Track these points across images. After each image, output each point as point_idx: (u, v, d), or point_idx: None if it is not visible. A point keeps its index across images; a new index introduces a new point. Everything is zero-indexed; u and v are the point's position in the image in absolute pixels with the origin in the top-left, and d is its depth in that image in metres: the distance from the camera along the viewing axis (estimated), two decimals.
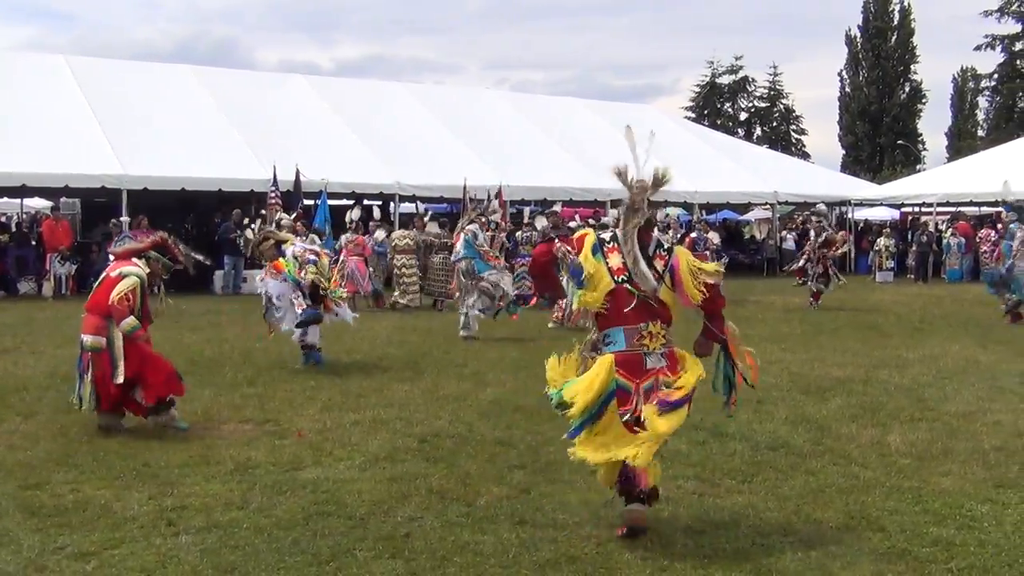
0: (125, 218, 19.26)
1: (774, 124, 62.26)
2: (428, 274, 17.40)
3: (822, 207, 20.58)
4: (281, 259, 10.06)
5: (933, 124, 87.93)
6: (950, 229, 26.11)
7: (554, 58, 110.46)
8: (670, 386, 4.78)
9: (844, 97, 60.18)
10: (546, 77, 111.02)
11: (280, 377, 9.58)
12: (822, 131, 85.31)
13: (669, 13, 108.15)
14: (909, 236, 28.01)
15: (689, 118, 52.19)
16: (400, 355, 11.19)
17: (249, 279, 19.62)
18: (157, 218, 20.28)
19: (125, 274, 7.12)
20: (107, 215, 20.62)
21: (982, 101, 60.88)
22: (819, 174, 34.48)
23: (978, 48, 51.47)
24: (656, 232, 5.11)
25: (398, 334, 13.18)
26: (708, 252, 18.86)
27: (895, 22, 58.38)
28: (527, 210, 19.01)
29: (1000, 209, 19.89)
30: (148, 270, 7.31)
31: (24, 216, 27.17)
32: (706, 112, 59.49)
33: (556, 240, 5.26)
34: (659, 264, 4.91)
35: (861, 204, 31.40)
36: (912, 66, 58.50)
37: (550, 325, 14.09)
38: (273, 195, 19.08)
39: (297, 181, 19.73)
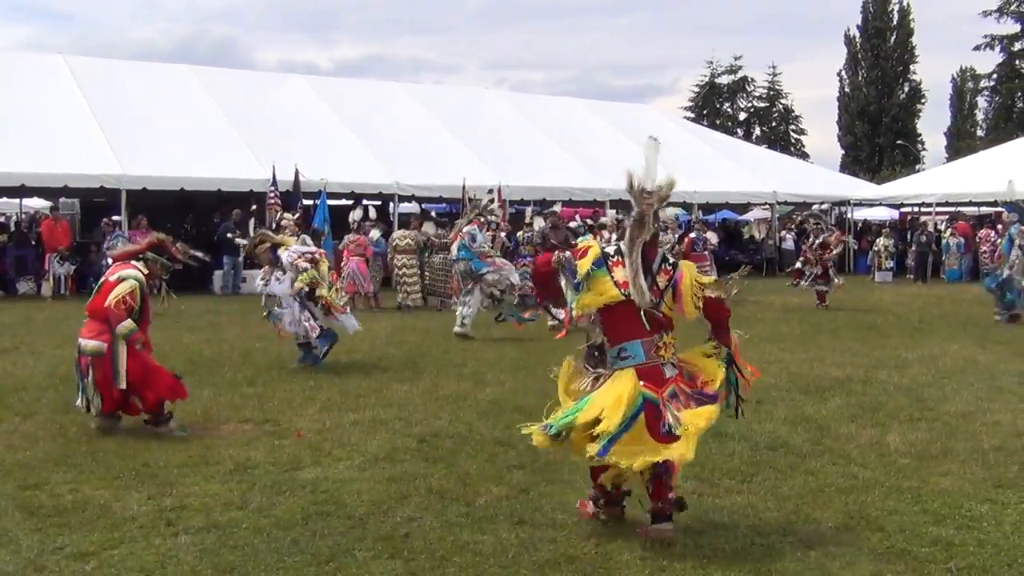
0: (117, 217, 19.25)
1: (773, 124, 62.32)
2: (429, 274, 17.42)
3: (816, 209, 20.60)
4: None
5: (932, 124, 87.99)
6: (949, 229, 26.12)
7: (553, 58, 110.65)
8: (694, 381, 4.86)
9: (843, 97, 60.24)
10: (545, 77, 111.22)
11: (279, 377, 9.58)
12: (821, 131, 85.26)
13: (668, 13, 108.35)
14: (908, 236, 28.03)
15: (688, 118, 52.24)
16: (399, 355, 11.19)
17: (248, 279, 19.64)
18: (156, 218, 20.30)
19: (123, 277, 7.12)
20: (106, 215, 20.62)
21: (981, 101, 61.05)
22: (818, 174, 34.51)
23: (977, 48, 51.63)
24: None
25: (397, 334, 13.18)
26: (707, 252, 18.89)
27: (894, 22, 58.44)
28: (528, 210, 18.99)
29: (1000, 209, 19.88)
30: (147, 272, 7.31)
31: (23, 216, 27.14)
32: (705, 112, 59.54)
33: (557, 249, 5.21)
34: (663, 279, 4.91)
35: (860, 204, 31.42)
36: (911, 66, 58.59)
37: (550, 324, 14.07)
38: (272, 195, 19.08)
39: (296, 181, 19.72)
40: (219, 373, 9.71)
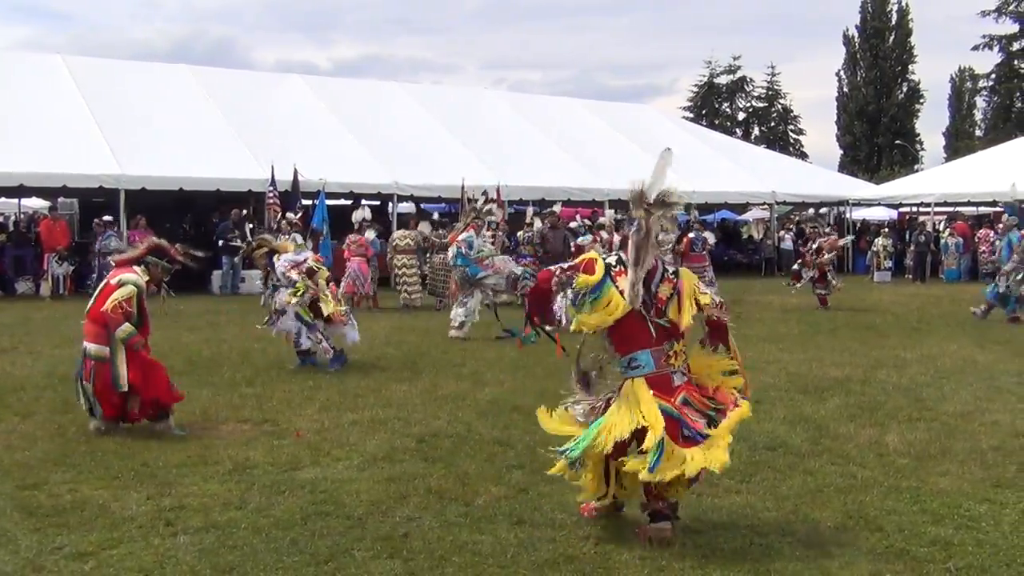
0: (108, 217, 19.22)
1: (772, 124, 62.36)
2: (430, 274, 17.44)
3: (811, 212, 20.60)
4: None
5: (931, 124, 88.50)
6: (948, 229, 26.15)
7: (552, 58, 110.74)
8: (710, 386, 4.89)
9: (842, 97, 60.30)
10: (544, 77, 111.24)
11: (278, 377, 9.58)
12: (820, 131, 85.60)
13: (667, 13, 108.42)
14: (907, 236, 28.05)
15: (687, 118, 52.27)
16: (398, 355, 11.19)
17: (248, 279, 19.65)
18: (155, 218, 20.34)
19: (123, 282, 7.13)
20: (105, 215, 20.60)
21: (980, 101, 61.17)
22: (817, 174, 34.54)
23: (976, 48, 51.69)
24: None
25: (396, 334, 13.18)
26: (705, 252, 18.89)
27: (893, 22, 58.52)
28: (529, 210, 19.00)
29: (1000, 209, 19.91)
30: (148, 277, 7.31)
31: (22, 216, 27.12)
32: (704, 112, 59.59)
33: (560, 270, 5.14)
34: (667, 288, 4.88)
35: (859, 204, 31.45)
36: (910, 66, 58.68)
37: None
38: (271, 195, 19.07)
39: (295, 181, 19.73)
40: (218, 373, 9.71)
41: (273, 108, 24.29)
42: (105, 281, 7.41)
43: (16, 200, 27.75)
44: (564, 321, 13.11)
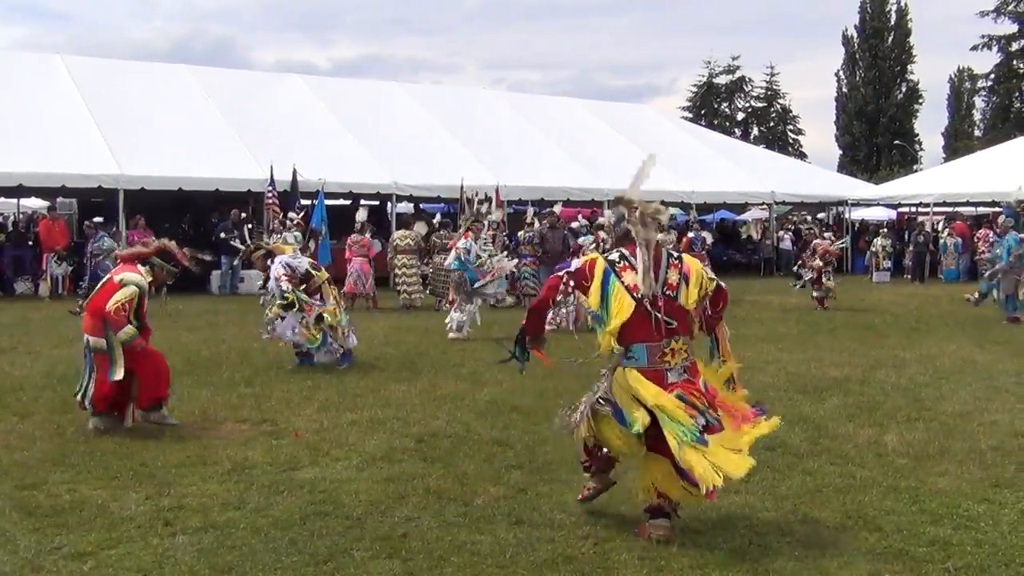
0: (98, 219, 19.19)
1: (771, 124, 62.41)
2: (432, 274, 17.45)
3: (806, 215, 20.63)
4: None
5: (930, 124, 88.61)
6: (947, 229, 26.14)
7: (551, 58, 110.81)
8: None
9: (841, 97, 60.33)
10: (543, 77, 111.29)
11: (277, 377, 9.57)
12: (819, 131, 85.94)
13: (666, 13, 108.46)
14: (906, 236, 28.05)
15: (686, 118, 52.29)
16: (397, 355, 11.18)
17: (247, 279, 19.65)
18: (154, 218, 20.35)
19: (126, 282, 7.12)
20: (104, 215, 20.61)
21: (979, 101, 61.21)
22: (816, 174, 34.53)
23: (975, 48, 51.69)
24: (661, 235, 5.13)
25: (395, 334, 13.18)
26: (704, 252, 18.91)
27: (892, 22, 58.57)
28: (529, 210, 19.00)
29: (998, 210, 19.89)
30: (151, 278, 7.31)
31: (21, 216, 27.13)
32: (703, 112, 59.62)
33: (565, 273, 5.15)
34: (675, 273, 4.90)
35: (858, 204, 31.43)
36: (909, 66, 58.74)
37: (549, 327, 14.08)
38: (270, 195, 19.05)
39: (294, 181, 19.70)
40: (217, 373, 9.71)
41: (272, 108, 24.27)
42: (108, 276, 7.41)
43: (15, 200, 27.75)
44: (567, 324, 13.21)
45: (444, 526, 5.04)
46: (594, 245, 14.14)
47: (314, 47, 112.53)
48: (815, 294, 16.98)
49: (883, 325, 14.54)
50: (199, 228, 23.05)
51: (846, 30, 59.73)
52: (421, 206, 26.86)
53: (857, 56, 58.96)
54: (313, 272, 10.14)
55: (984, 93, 57.32)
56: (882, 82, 57.85)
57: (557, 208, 18.61)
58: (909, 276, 25.69)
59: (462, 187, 16.38)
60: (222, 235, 19.43)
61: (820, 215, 21.80)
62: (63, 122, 20.59)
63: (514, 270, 13.26)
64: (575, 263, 5.16)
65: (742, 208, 35.04)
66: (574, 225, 18.08)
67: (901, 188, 31.16)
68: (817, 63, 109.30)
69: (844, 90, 60.02)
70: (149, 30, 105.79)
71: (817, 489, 5.72)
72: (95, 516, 5.20)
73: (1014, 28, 50.75)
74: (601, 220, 16.51)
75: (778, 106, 62.08)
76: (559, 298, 5.24)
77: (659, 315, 4.78)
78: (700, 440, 4.63)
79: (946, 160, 48.44)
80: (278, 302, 9.81)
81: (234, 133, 22.18)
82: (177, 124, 21.87)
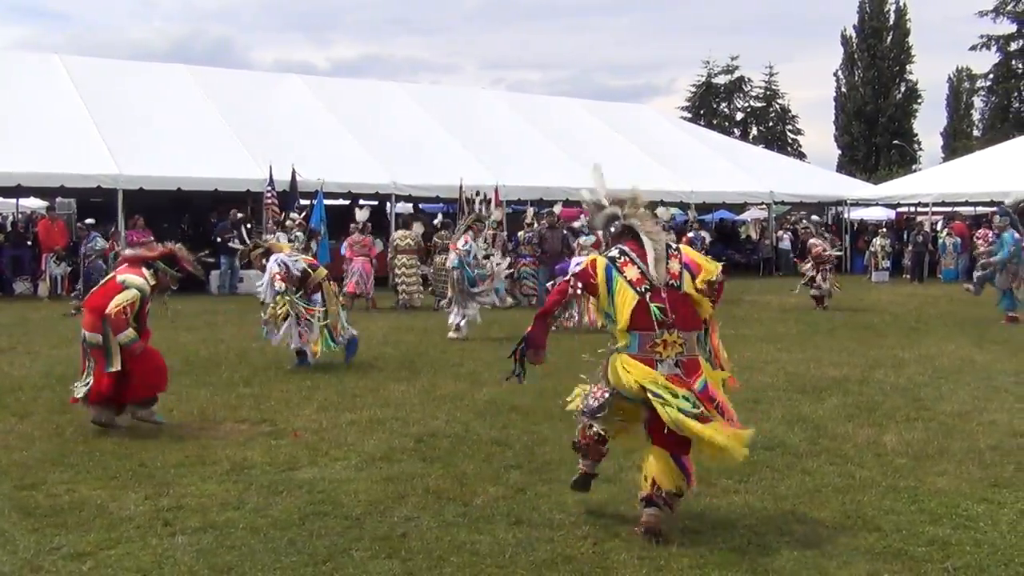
0: (90, 220, 19.18)
1: (770, 124, 62.39)
2: (434, 274, 17.45)
3: (802, 216, 20.67)
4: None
5: (928, 124, 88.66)
6: (946, 229, 26.16)
7: (551, 58, 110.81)
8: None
9: (840, 97, 60.34)
10: (542, 77, 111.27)
11: (276, 377, 9.57)
12: (818, 131, 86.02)
13: (665, 13, 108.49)
14: (905, 236, 28.06)
15: (685, 118, 52.30)
16: (396, 355, 11.18)
17: (246, 279, 19.62)
18: (153, 218, 20.34)
19: (128, 285, 7.12)
20: (103, 215, 20.59)
21: (977, 101, 61.15)
22: (815, 174, 34.55)
23: (973, 48, 51.68)
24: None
25: (394, 334, 13.18)
26: (703, 251, 18.91)
27: (891, 22, 58.58)
28: (529, 210, 19.00)
29: (996, 210, 19.93)
30: (155, 282, 7.30)
31: (20, 216, 27.12)
32: (702, 112, 59.62)
33: (572, 277, 5.22)
34: (675, 263, 5.00)
35: (857, 204, 31.46)
36: (908, 66, 58.73)
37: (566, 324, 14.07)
38: (269, 195, 19.04)
39: (293, 181, 19.70)
40: (216, 373, 9.71)
41: (271, 108, 24.26)
42: (111, 275, 7.41)
43: (14, 200, 27.73)
44: (580, 318, 13.26)
45: (443, 526, 5.04)
46: (594, 244, 14.12)
47: (313, 47, 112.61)
48: (812, 293, 17.00)
49: (882, 325, 14.55)
50: (198, 228, 23.04)
51: (845, 30, 59.80)
52: (420, 206, 26.86)
53: (856, 56, 58.97)
54: (310, 272, 10.14)
55: (983, 93, 57.32)
56: (881, 82, 57.86)
57: (557, 208, 18.60)
58: (908, 276, 25.69)
59: (461, 187, 16.38)
60: (218, 240, 19.42)
61: (815, 217, 21.70)
62: (62, 122, 20.58)
63: (512, 272, 13.28)
64: (576, 265, 5.21)
65: (741, 208, 35.05)
66: (576, 224, 18.07)
67: (900, 188, 31.17)
68: (816, 63, 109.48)
69: (843, 90, 60.03)
70: (148, 30, 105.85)
71: (816, 489, 5.72)
72: (94, 516, 5.19)
73: (1013, 28, 50.75)
74: (577, 224, 16.32)
75: (777, 106, 62.08)
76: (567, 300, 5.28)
77: (653, 305, 4.83)
78: (692, 415, 4.70)
79: (945, 160, 48.47)
80: (278, 309, 9.79)
81: (233, 133, 22.17)
82: (176, 124, 21.86)
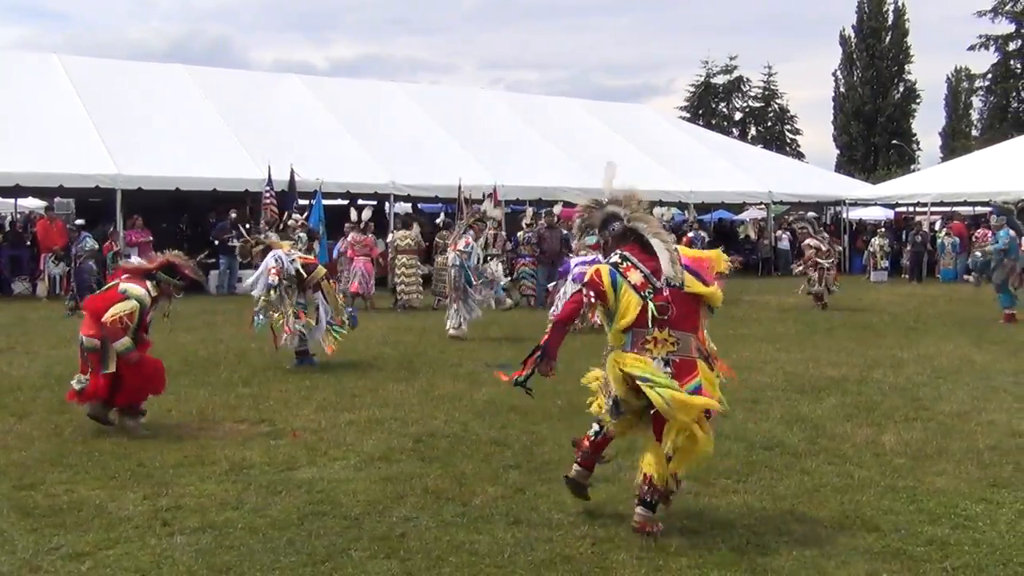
0: (80, 221, 19.17)
1: (769, 124, 62.40)
2: (435, 274, 17.46)
3: (799, 214, 20.66)
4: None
5: (927, 124, 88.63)
6: (944, 229, 26.17)
7: (549, 58, 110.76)
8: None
9: (838, 97, 60.34)
10: (541, 77, 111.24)
11: (275, 377, 9.57)
12: (817, 131, 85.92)
13: (664, 13, 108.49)
14: (903, 236, 28.06)
15: (684, 118, 52.28)
16: (395, 355, 11.18)
17: (244, 279, 19.61)
18: (151, 218, 20.32)
19: (128, 295, 7.13)
20: (102, 215, 20.59)
21: (976, 101, 61.15)
22: (814, 174, 34.57)
23: (972, 48, 51.75)
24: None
25: (393, 334, 13.18)
26: None
27: (889, 22, 58.59)
28: (529, 210, 19.00)
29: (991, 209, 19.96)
30: (157, 292, 7.30)
31: (18, 216, 27.09)
32: (701, 112, 59.62)
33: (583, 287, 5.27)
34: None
35: (856, 204, 31.47)
36: (906, 66, 58.74)
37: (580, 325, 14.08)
38: (268, 195, 19.04)
39: (292, 181, 19.68)
40: (215, 373, 9.70)
41: (270, 108, 24.26)
42: (114, 283, 7.42)
43: (12, 200, 27.70)
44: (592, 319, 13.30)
45: (442, 526, 5.04)
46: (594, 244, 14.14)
47: (312, 47, 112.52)
48: (811, 290, 17.00)
49: (881, 325, 14.55)
50: (196, 228, 23.03)
51: (843, 30, 59.80)
52: (419, 206, 26.86)
53: (855, 56, 58.97)
54: (305, 273, 10.13)
55: (981, 93, 57.32)
56: (880, 82, 57.88)
57: (556, 208, 18.60)
58: (907, 276, 25.69)
59: (460, 187, 16.40)
60: (216, 243, 19.42)
61: (811, 214, 21.63)
62: (61, 122, 20.57)
63: (511, 274, 13.30)
64: (579, 272, 5.26)
65: (740, 208, 35.04)
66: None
67: (899, 188, 31.18)
68: (815, 63, 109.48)
69: (842, 90, 60.04)
70: (147, 30, 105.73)
71: (815, 489, 5.72)
72: (93, 516, 5.19)
73: (1011, 28, 50.81)
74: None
75: (776, 106, 62.09)
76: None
77: (652, 303, 4.88)
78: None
79: (943, 160, 48.52)
80: (271, 297, 9.84)
81: (232, 133, 22.16)
82: (175, 124, 21.86)
